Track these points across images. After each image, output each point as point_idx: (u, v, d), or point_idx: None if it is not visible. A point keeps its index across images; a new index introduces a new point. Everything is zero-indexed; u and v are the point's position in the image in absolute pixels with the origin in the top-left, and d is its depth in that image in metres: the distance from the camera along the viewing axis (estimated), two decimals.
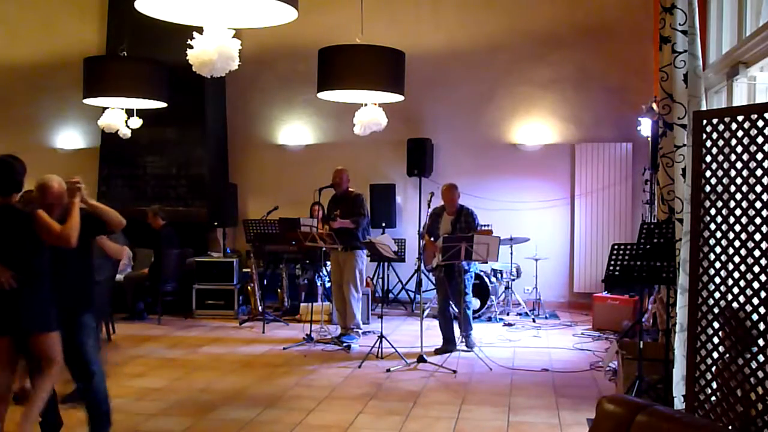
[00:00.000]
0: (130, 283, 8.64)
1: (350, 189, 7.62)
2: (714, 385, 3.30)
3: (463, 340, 7.02)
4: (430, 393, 5.64)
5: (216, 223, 9.47)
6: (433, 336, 7.26)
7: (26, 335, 4.06)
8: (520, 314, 8.96)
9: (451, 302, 6.95)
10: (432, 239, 6.96)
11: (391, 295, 9.76)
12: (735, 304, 3.22)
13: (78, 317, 4.23)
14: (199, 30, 3.75)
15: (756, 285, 3.10)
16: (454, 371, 6.21)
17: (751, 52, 4.73)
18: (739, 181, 3.20)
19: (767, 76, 4.89)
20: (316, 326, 7.68)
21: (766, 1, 4.90)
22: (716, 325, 3.30)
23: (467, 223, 6.92)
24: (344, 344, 7.18)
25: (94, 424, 4.29)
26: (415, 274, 7.91)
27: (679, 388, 4.09)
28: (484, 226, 7.41)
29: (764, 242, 3.07)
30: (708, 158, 3.33)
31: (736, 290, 3.22)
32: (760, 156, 3.10)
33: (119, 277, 8.00)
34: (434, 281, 7.49)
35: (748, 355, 3.10)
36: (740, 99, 5.03)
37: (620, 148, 9.37)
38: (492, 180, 9.46)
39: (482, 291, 8.40)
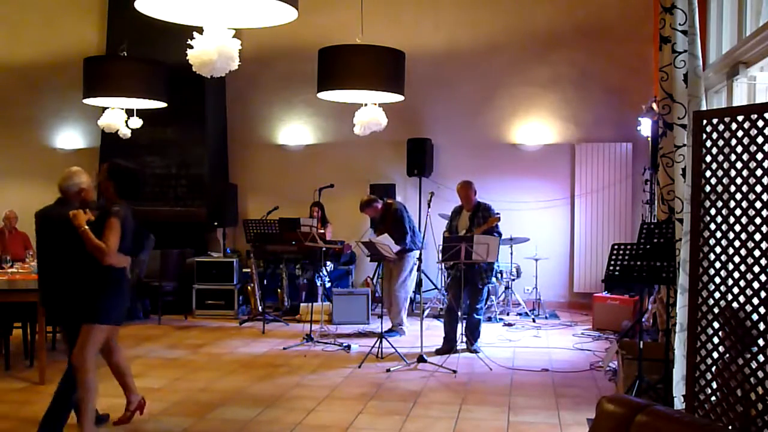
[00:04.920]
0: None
1: (389, 201, 7.73)
2: (714, 385, 3.30)
3: (465, 340, 7.02)
4: (430, 393, 5.64)
5: (216, 223, 9.47)
6: (433, 336, 7.26)
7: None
8: (520, 314, 8.96)
9: (460, 303, 6.96)
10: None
11: None
12: (735, 304, 3.22)
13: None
14: (199, 30, 3.74)
15: (756, 285, 3.09)
16: (454, 371, 6.22)
17: (751, 52, 4.73)
18: (739, 181, 3.19)
19: (767, 76, 4.88)
20: (316, 326, 7.69)
21: (766, 1, 4.89)
22: (716, 325, 3.30)
23: (484, 217, 6.98)
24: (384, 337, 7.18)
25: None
26: (416, 274, 7.93)
27: (679, 388, 4.09)
28: (496, 213, 7.43)
29: (764, 242, 3.07)
30: (708, 158, 3.33)
31: (736, 290, 3.21)
32: (760, 156, 3.10)
33: None
34: (448, 279, 7.57)
35: (748, 355, 3.10)
36: (740, 99, 5.03)
37: (620, 148, 9.37)
38: (492, 180, 9.46)
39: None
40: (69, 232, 4.26)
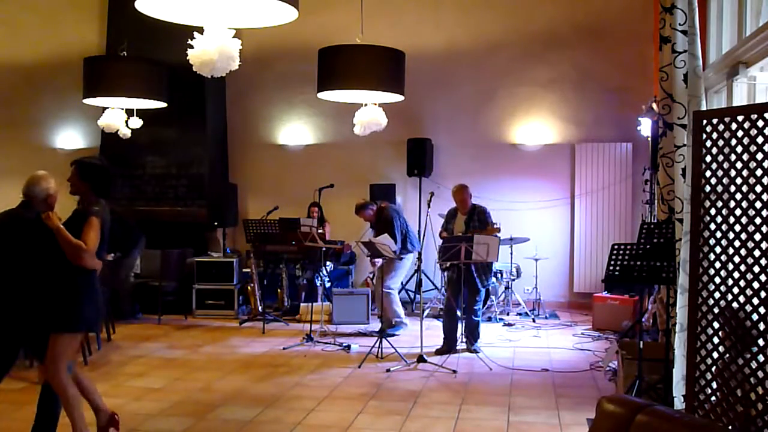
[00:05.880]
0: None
1: (382, 206, 7.78)
2: (714, 385, 3.30)
3: (465, 341, 7.03)
4: (430, 393, 5.64)
5: (216, 223, 9.47)
6: (433, 336, 7.26)
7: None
8: (520, 314, 8.95)
9: (459, 305, 6.96)
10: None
11: None
12: (735, 304, 3.22)
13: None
14: (200, 30, 3.74)
15: (756, 285, 3.10)
16: (454, 371, 6.22)
17: (751, 52, 4.73)
18: (739, 181, 3.19)
19: (767, 76, 4.88)
20: (316, 326, 7.69)
21: (766, 1, 4.90)
22: (716, 325, 3.30)
23: (480, 221, 7.00)
24: (391, 335, 7.45)
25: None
26: (415, 274, 7.95)
27: (679, 388, 4.09)
28: (494, 223, 7.50)
29: (764, 242, 3.07)
30: (708, 158, 3.33)
31: (736, 290, 3.21)
32: (760, 156, 3.10)
33: None
34: (446, 279, 7.62)
35: (748, 355, 3.10)
36: (740, 99, 5.03)
37: (620, 148, 9.37)
38: (492, 180, 9.46)
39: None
40: (37, 234, 4.05)
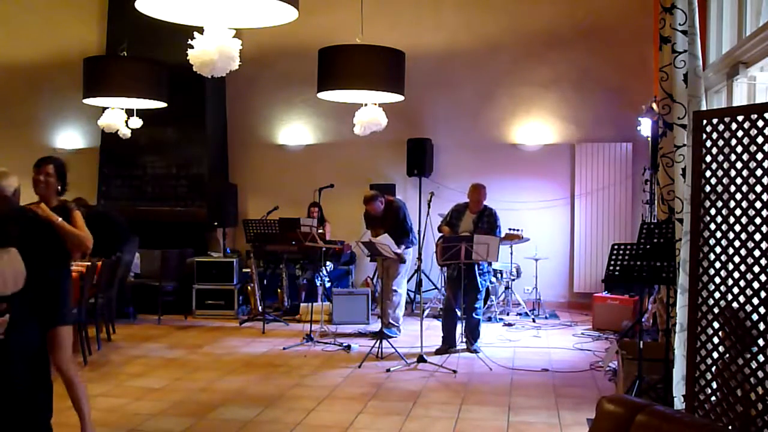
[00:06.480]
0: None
1: (390, 199, 7.76)
2: (714, 385, 3.30)
3: (465, 341, 7.02)
4: (430, 393, 5.64)
5: (216, 223, 9.47)
6: (434, 336, 7.26)
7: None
8: (520, 314, 8.95)
9: (459, 304, 6.96)
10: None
11: None
12: (735, 304, 3.22)
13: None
14: (200, 30, 3.74)
15: (756, 285, 3.09)
16: (454, 371, 6.22)
17: (751, 52, 4.72)
18: (739, 181, 3.19)
19: (767, 76, 4.88)
20: (316, 326, 7.69)
21: (766, 1, 4.89)
22: (716, 325, 3.30)
23: (489, 223, 6.97)
24: (388, 337, 7.35)
25: None
26: (415, 274, 7.94)
27: (679, 388, 4.09)
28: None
29: (764, 242, 3.07)
30: (708, 158, 3.33)
31: (736, 290, 3.21)
32: (760, 156, 3.10)
33: None
34: (445, 278, 7.60)
35: (748, 355, 3.10)
36: (740, 99, 5.03)
37: (620, 148, 9.37)
38: (492, 180, 9.40)
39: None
40: (26, 231, 3.98)
